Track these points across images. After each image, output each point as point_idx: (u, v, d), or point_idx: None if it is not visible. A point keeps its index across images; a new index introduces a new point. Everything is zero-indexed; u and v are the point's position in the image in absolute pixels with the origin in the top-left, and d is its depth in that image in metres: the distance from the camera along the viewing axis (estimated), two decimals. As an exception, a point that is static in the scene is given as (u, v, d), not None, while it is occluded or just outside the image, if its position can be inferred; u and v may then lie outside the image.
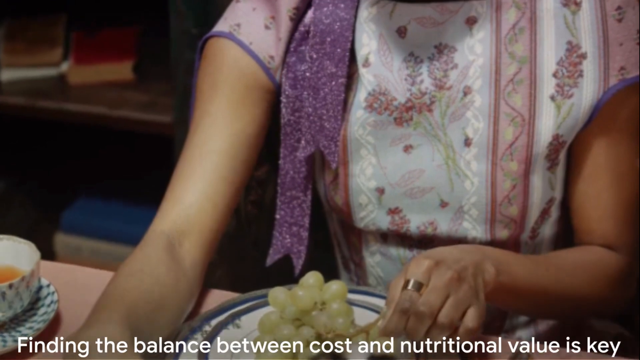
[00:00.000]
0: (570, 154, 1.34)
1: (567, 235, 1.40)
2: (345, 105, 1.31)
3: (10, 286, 1.20)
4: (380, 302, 1.23)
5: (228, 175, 1.29)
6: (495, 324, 1.39)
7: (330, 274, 1.37)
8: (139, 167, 2.83)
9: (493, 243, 1.32)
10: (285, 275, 1.53)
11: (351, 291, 1.22)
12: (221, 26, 1.35)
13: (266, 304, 1.21)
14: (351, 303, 1.19)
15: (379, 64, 1.30)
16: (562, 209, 1.37)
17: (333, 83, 1.29)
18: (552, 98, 1.29)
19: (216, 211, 1.28)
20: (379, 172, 1.32)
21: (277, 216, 1.38)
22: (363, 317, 1.18)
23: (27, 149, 2.81)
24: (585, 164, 1.32)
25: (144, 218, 2.65)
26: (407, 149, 1.31)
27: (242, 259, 1.54)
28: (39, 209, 2.80)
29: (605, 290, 1.33)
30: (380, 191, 1.33)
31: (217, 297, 1.29)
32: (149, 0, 2.74)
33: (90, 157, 2.87)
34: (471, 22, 1.28)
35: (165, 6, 2.48)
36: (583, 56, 1.28)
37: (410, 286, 1.10)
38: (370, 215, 1.35)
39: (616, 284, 1.34)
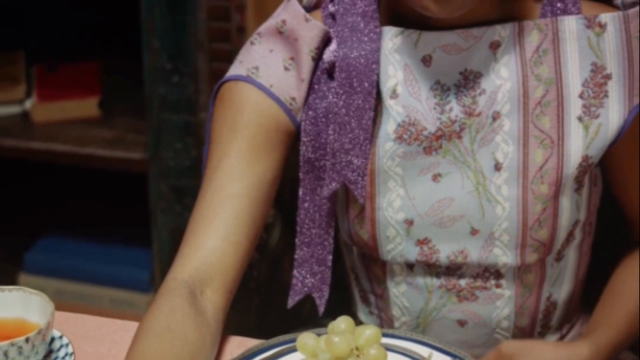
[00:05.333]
0: (602, 168, 1.37)
1: (588, 259, 1.40)
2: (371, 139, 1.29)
3: (27, 340, 1.14)
4: (408, 345, 1.20)
5: (249, 219, 1.25)
6: (527, 329, 1.38)
7: (342, 310, 1.35)
8: (105, 204, 2.78)
9: (522, 267, 1.30)
10: (287, 321, 1.50)
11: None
12: (237, 70, 1.31)
13: (293, 350, 1.17)
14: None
15: (406, 95, 1.27)
16: (583, 232, 1.36)
17: (361, 117, 1.27)
18: (580, 119, 1.28)
19: (238, 256, 1.24)
20: (407, 204, 1.29)
21: (296, 256, 1.34)
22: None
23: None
24: (620, 172, 1.35)
25: (109, 257, 2.63)
26: (436, 177, 1.29)
27: (245, 305, 1.51)
28: (1, 250, 2.74)
29: None
30: (409, 223, 1.30)
31: (238, 343, 1.24)
32: (106, 36, 2.71)
33: (56, 196, 2.82)
34: (495, 46, 1.26)
35: (124, 41, 2.45)
36: (608, 77, 1.27)
37: None
38: (398, 247, 1.31)
39: None
